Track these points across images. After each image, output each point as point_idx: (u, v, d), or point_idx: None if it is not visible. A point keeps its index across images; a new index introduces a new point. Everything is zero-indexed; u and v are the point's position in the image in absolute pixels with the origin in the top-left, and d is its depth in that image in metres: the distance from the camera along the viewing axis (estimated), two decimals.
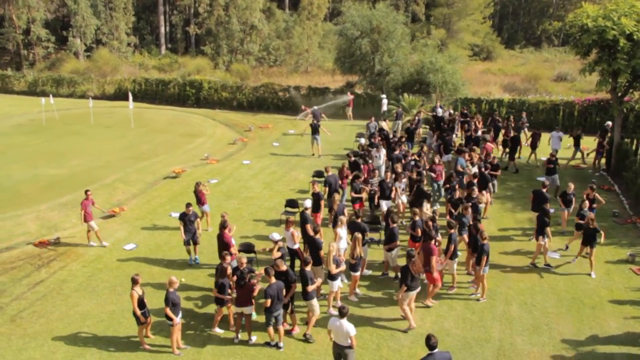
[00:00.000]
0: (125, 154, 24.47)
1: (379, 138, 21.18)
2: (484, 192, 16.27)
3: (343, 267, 11.85)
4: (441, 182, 17.28)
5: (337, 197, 14.94)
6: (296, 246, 13.01)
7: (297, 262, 13.04)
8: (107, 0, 50.97)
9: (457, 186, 15.83)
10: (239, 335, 11.12)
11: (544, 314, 11.96)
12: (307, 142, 24.87)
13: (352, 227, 12.99)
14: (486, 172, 17.14)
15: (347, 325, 9.27)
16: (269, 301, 10.28)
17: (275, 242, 12.21)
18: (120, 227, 16.72)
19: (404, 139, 21.34)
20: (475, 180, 16.23)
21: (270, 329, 10.69)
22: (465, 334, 11.27)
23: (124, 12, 51.29)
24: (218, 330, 11.41)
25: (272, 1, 56.85)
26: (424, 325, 11.51)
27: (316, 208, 15.16)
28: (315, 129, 23.94)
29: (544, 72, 44.08)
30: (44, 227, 16.64)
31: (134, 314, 10.68)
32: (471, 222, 13.56)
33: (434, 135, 22.75)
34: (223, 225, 12.86)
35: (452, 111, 26.50)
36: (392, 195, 16.20)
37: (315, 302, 11.07)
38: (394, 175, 16.56)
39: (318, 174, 19.55)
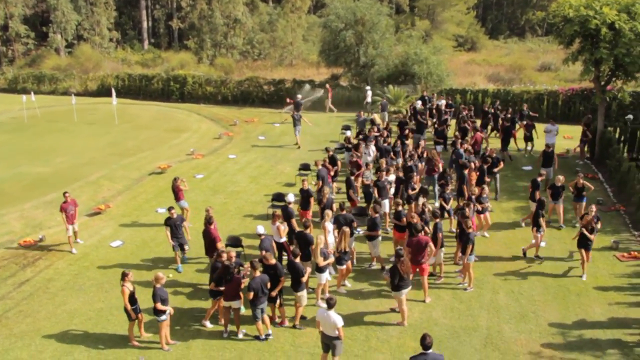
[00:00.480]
0: (109, 151, 24.22)
1: (376, 130, 20.63)
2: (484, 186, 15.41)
3: (331, 259, 11.87)
4: (436, 177, 16.89)
5: (326, 190, 14.94)
6: (282, 240, 13.00)
7: (284, 256, 13.08)
8: None
9: (450, 181, 15.73)
10: (228, 329, 11.12)
11: (530, 301, 12.09)
12: (292, 135, 24.77)
13: (339, 219, 12.98)
14: (485, 167, 16.46)
15: (334, 316, 9.31)
16: (251, 294, 10.35)
17: (259, 236, 12.30)
18: (106, 224, 16.58)
19: (391, 132, 21.22)
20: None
21: (259, 323, 10.70)
22: (453, 323, 11.36)
23: (105, 7, 50.43)
24: (208, 324, 11.40)
25: None
26: (412, 315, 11.57)
27: (305, 205, 14.92)
28: (296, 120, 23.91)
29: (528, 62, 44.33)
30: (29, 225, 16.45)
31: (125, 310, 10.64)
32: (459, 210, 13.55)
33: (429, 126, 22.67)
34: (209, 221, 12.79)
35: (450, 101, 26.05)
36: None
37: (304, 293, 11.15)
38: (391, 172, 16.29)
39: (304, 166, 19.53)
